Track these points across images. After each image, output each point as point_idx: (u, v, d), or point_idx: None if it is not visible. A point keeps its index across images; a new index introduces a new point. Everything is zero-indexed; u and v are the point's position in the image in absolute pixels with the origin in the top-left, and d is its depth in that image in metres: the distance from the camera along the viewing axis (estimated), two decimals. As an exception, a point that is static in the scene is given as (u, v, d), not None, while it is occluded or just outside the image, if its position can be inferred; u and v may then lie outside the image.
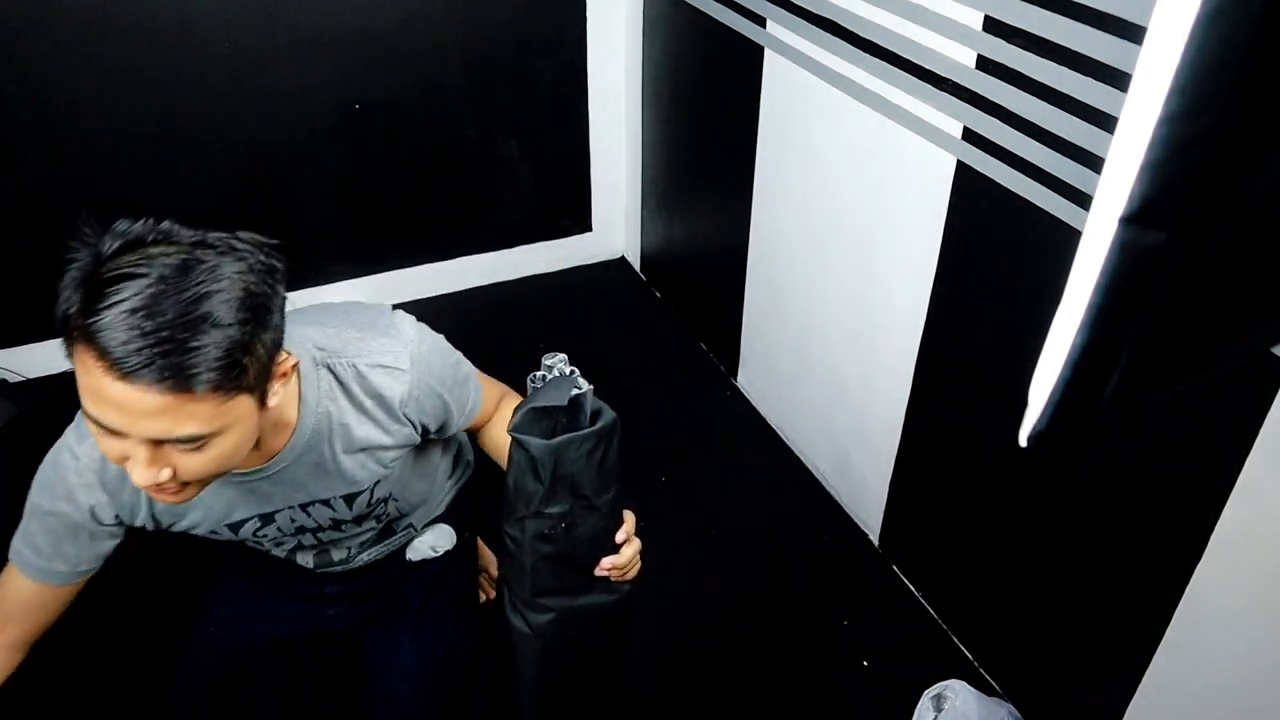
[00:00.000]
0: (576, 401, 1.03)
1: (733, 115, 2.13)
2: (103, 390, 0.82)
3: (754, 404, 2.35)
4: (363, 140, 2.43)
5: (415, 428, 1.17)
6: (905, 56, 1.54)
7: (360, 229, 2.57)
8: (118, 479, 1.06)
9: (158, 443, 0.86)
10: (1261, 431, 1.13)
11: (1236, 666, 1.26)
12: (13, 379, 2.36)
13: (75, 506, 1.07)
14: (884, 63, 1.59)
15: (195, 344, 0.81)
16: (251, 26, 2.19)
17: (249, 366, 0.86)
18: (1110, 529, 1.39)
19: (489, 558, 1.76)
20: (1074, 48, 1.23)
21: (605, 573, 1.10)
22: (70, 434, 1.08)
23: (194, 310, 0.82)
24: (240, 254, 0.87)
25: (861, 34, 1.63)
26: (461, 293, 2.76)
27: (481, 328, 2.60)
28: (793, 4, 1.79)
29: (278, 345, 0.92)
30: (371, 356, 1.11)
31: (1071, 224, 1.31)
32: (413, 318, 1.20)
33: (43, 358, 2.38)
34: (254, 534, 1.20)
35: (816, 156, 1.86)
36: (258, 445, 1.03)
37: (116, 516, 1.10)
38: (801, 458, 2.20)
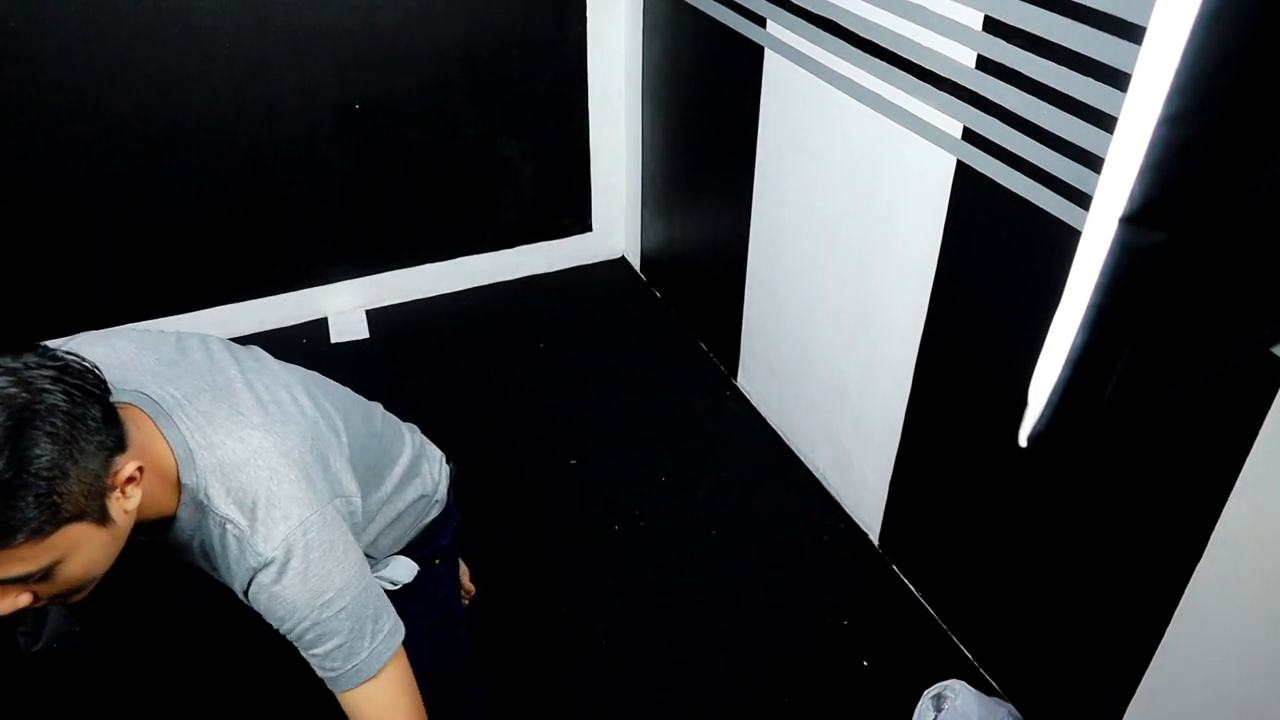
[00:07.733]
0: None
1: (733, 115, 2.13)
2: None
3: (754, 404, 2.35)
4: (363, 140, 2.43)
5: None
6: (905, 56, 1.54)
7: (360, 229, 2.57)
8: None
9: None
10: (1261, 431, 1.13)
11: (1236, 666, 1.26)
12: (13, 379, 2.36)
13: None
14: (884, 63, 1.59)
15: None
16: (251, 26, 2.19)
17: (61, 504, 0.80)
18: (1110, 529, 1.39)
19: (463, 568, 1.67)
20: (1074, 48, 1.23)
21: None
22: None
23: None
24: (23, 376, 0.80)
25: (861, 34, 1.63)
26: (461, 293, 2.76)
27: (481, 328, 2.60)
28: (793, 4, 1.79)
29: (108, 455, 0.85)
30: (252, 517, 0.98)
31: (1071, 224, 1.31)
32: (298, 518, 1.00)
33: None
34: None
35: (816, 156, 1.86)
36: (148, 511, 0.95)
37: None
38: (801, 458, 2.20)
